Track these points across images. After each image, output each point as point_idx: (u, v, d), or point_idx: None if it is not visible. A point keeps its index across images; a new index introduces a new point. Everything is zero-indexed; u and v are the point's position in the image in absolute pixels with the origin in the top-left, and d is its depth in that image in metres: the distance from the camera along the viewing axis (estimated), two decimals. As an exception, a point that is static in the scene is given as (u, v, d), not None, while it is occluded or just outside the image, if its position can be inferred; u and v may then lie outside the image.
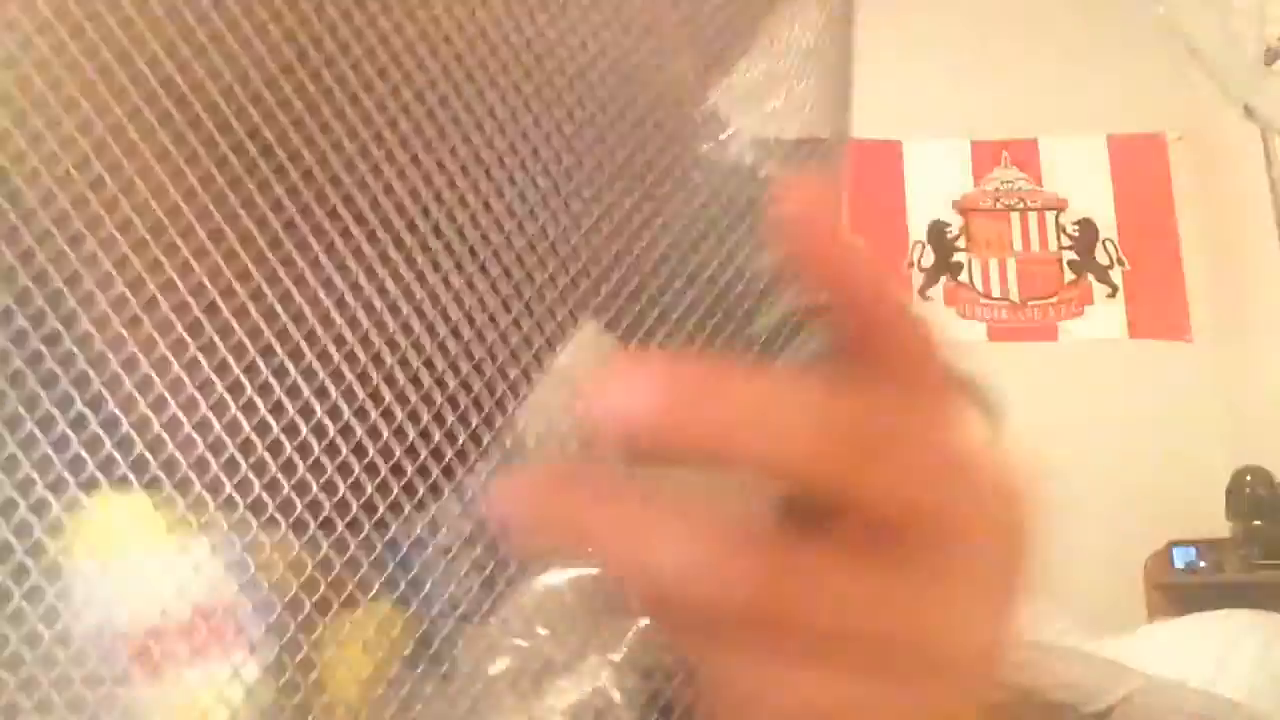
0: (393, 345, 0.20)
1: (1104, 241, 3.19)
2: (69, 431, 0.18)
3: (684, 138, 0.22)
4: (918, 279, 3.16)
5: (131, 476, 0.18)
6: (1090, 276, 3.16)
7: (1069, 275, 3.17)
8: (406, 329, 0.20)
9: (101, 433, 0.18)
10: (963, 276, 3.18)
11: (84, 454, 0.18)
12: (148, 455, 0.18)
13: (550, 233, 0.20)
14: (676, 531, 0.18)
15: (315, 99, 0.20)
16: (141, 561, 0.18)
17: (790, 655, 0.18)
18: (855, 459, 0.18)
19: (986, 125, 3.24)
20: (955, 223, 3.22)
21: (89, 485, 0.18)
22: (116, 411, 0.18)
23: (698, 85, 0.23)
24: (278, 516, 0.19)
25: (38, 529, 0.18)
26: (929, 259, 3.18)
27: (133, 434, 0.18)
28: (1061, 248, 3.20)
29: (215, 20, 0.19)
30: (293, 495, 0.19)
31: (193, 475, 0.18)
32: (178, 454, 0.18)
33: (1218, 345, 3.05)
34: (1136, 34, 3.11)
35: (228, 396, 0.19)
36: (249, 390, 0.19)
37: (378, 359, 0.20)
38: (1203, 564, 2.74)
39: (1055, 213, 3.22)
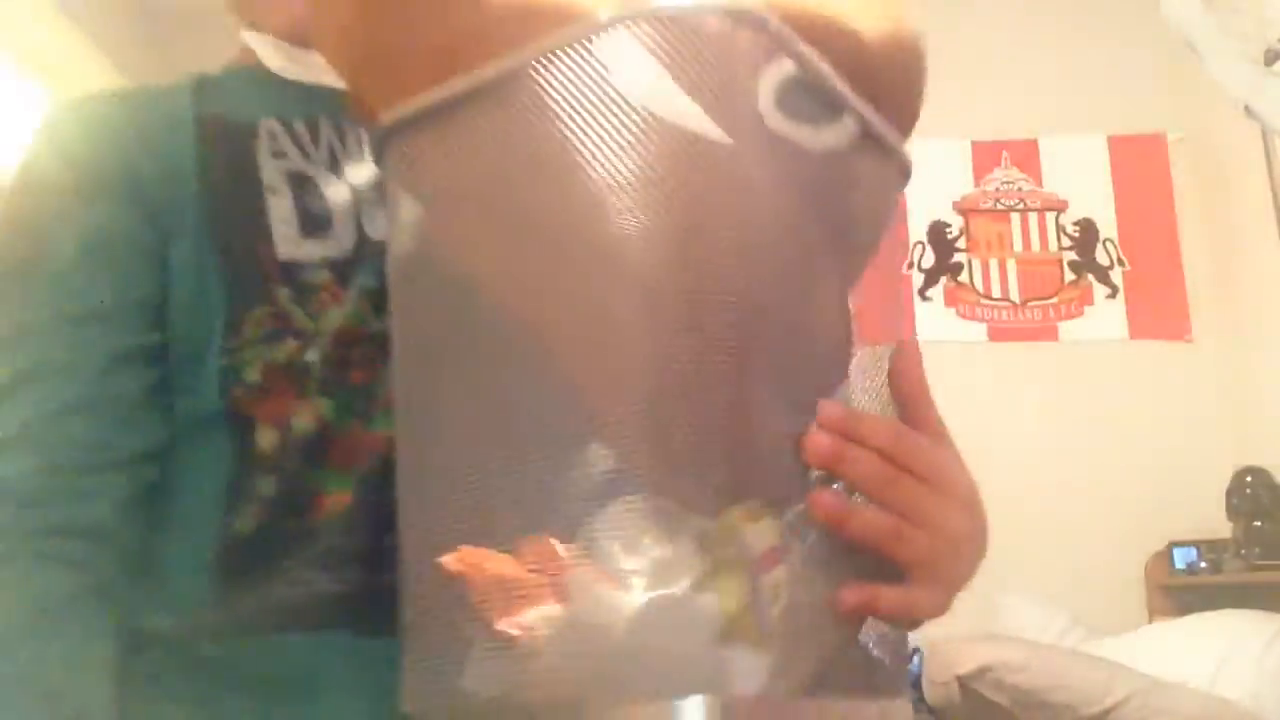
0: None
1: (1104, 242, 3.19)
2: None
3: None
4: (918, 279, 3.17)
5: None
6: (1090, 277, 3.16)
7: (1069, 276, 3.17)
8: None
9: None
10: (963, 277, 3.18)
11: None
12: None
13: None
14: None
15: None
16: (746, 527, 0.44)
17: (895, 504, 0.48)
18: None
19: (987, 126, 3.24)
20: (955, 223, 3.22)
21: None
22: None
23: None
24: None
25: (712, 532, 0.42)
26: (929, 259, 3.18)
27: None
28: (1062, 248, 3.20)
29: None
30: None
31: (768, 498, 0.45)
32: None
33: (1218, 346, 3.05)
34: (1137, 35, 3.11)
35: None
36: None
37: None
38: (1203, 564, 2.74)
39: (1055, 213, 3.22)
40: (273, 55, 0.66)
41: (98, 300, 0.57)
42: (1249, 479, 2.70)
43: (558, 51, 0.42)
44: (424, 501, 0.46)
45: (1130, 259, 3.17)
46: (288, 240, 0.59)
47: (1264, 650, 2.18)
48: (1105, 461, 2.94)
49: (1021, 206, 3.23)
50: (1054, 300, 3.15)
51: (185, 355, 0.58)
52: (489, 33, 0.42)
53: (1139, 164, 3.22)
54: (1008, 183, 3.24)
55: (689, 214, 0.42)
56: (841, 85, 0.47)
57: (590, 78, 0.42)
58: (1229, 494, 2.72)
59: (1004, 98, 3.25)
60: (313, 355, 0.57)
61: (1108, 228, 3.20)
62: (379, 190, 0.59)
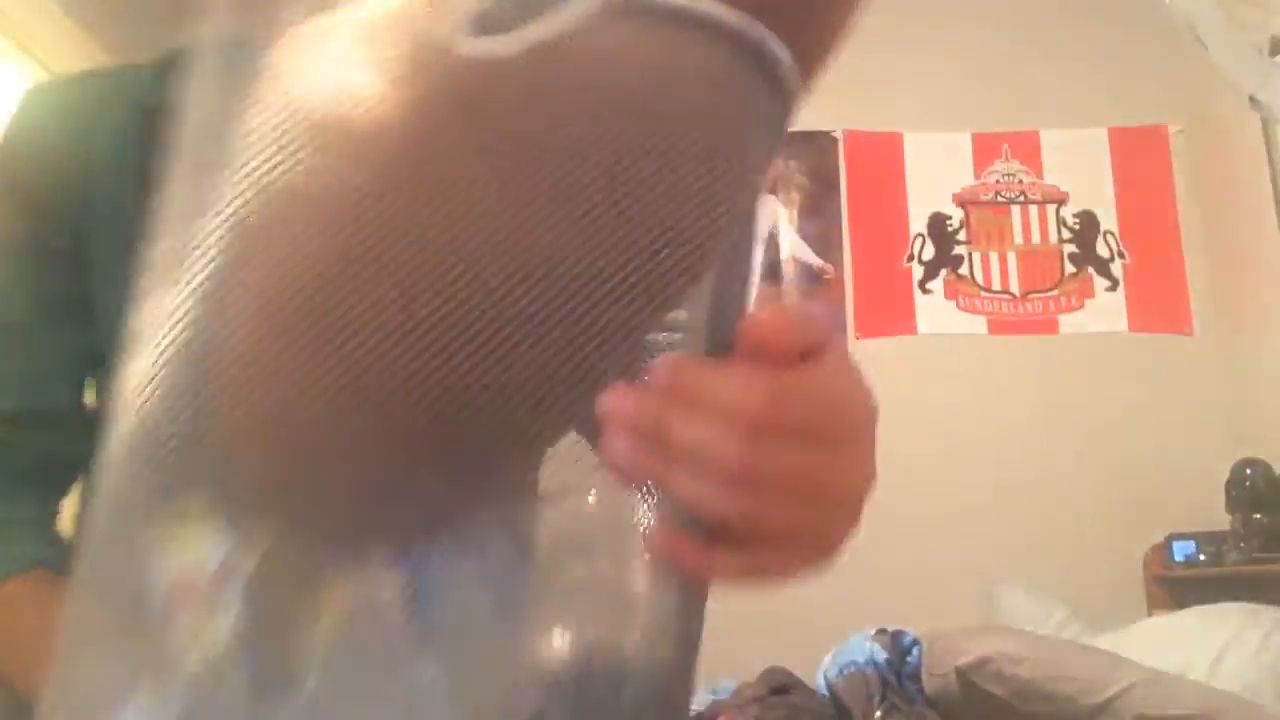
0: None
1: (1104, 234, 3.18)
2: None
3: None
4: (918, 272, 3.16)
5: None
6: (1091, 269, 3.16)
7: (1069, 268, 3.17)
8: None
9: None
10: (963, 269, 3.17)
11: None
12: None
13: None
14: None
15: None
16: None
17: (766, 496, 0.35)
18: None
19: (987, 118, 3.23)
20: (956, 215, 3.21)
21: None
22: None
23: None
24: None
25: None
26: (929, 252, 3.18)
27: None
28: (1062, 241, 3.19)
29: None
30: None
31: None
32: None
33: (1218, 338, 3.05)
34: (1138, 26, 3.10)
35: None
36: None
37: None
38: (1202, 557, 2.74)
39: (1056, 205, 3.22)
40: None
41: (12, 314, 0.61)
42: (1248, 471, 2.70)
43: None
44: None
45: (1130, 252, 3.16)
46: None
47: (1262, 642, 2.18)
48: (1105, 454, 2.94)
49: (1022, 199, 3.23)
50: (1054, 293, 3.15)
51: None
52: None
53: (1140, 156, 3.21)
54: (1008, 175, 3.24)
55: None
56: None
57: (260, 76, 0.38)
58: (1228, 486, 2.72)
59: (1004, 90, 3.24)
60: None
61: (1108, 220, 3.19)
62: None
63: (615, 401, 0.34)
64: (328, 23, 0.37)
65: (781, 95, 0.35)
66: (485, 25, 0.34)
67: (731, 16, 0.34)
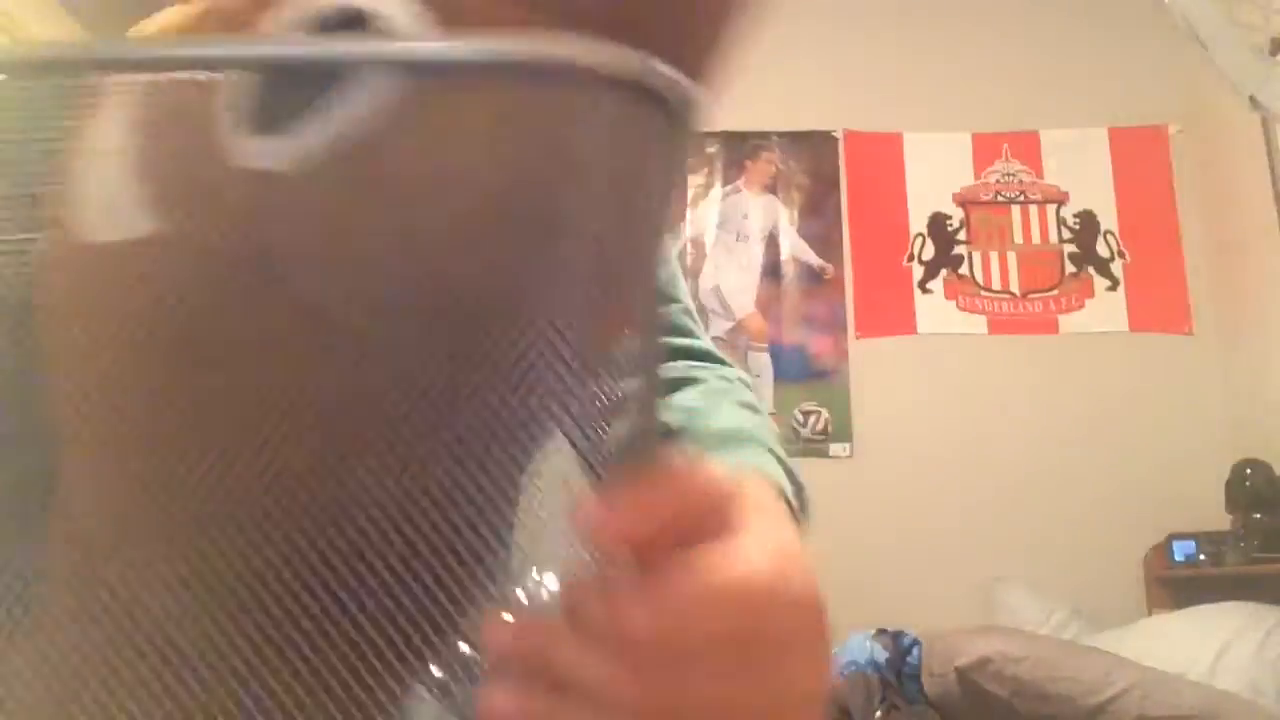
0: None
1: (1105, 234, 3.18)
2: None
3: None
4: (918, 272, 3.16)
5: None
6: (1091, 269, 3.16)
7: (1070, 268, 3.17)
8: None
9: None
10: (963, 269, 3.17)
11: None
12: None
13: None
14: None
15: None
16: None
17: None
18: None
19: (987, 118, 3.23)
20: (956, 215, 3.21)
21: None
22: None
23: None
24: None
25: None
26: (929, 252, 3.17)
27: None
28: (1062, 240, 3.19)
29: None
30: None
31: None
32: None
33: (1218, 338, 3.05)
34: (1138, 26, 3.10)
35: None
36: None
37: None
38: (1202, 557, 2.74)
39: (1056, 205, 3.22)
40: None
41: None
42: (1248, 471, 2.70)
43: None
44: None
45: (1131, 251, 3.16)
46: None
47: (1262, 642, 2.18)
48: (1105, 454, 2.94)
49: (1022, 199, 3.22)
50: (1054, 292, 3.15)
51: None
52: None
53: (1140, 156, 3.21)
54: (1008, 175, 3.24)
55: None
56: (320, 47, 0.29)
57: None
58: (1228, 486, 2.72)
59: (1005, 90, 3.24)
60: None
61: (1108, 220, 3.19)
62: None
63: (493, 636, 0.29)
64: (103, 125, 0.30)
65: (669, 115, 0.27)
66: (265, 113, 0.28)
67: (590, 53, 0.26)
